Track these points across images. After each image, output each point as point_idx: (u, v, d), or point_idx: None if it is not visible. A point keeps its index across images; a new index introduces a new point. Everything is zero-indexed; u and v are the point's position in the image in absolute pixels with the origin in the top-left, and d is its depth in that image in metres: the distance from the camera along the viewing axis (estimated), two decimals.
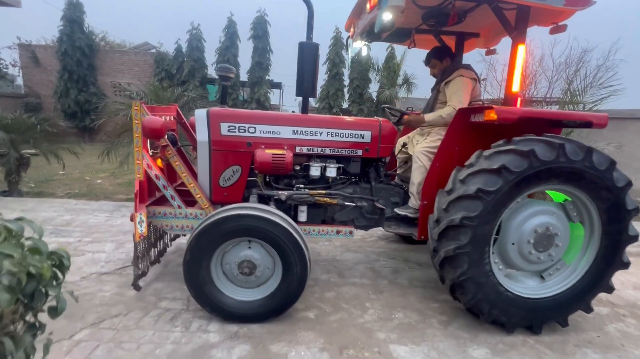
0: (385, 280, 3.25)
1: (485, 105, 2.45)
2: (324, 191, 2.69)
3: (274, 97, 17.43)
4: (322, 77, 16.64)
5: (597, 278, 2.41)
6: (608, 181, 2.18)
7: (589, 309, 2.50)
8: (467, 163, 2.33)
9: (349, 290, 3.00)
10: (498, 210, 2.17)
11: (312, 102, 19.14)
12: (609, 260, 2.37)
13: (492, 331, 2.48)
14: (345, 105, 16.74)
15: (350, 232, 2.79)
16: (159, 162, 2.62)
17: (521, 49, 2.47)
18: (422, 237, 2.72)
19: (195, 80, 15.75)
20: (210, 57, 16.15)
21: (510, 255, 2.38)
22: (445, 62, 3.07)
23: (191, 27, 15.79)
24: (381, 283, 3.19)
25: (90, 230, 4.17)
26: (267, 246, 2.30)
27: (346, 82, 16.59)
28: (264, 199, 2.70)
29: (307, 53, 2.57)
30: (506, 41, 3.33)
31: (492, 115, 2.23)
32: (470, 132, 2.57)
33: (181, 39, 15.95)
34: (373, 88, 16.52)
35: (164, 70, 15.84)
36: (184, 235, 3.12)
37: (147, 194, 2.67)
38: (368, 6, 2.52)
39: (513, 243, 2.34)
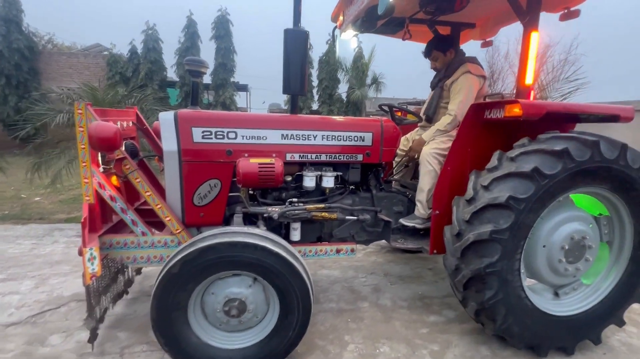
0: (365, 302, 2.88)
1: (506, 99, 2.18)
2: (322, 205, 2.26)
3: (240, 99, 16.74)
4: None
5: (627, 290, 2.21)
6: (634, 181, 1.97)
7: (621, 323, 2.30)
8: (488, 166, 2.02)
9: (324, 320, 2.57)
10: (531, 220, 1.88)
11: (282, 104, 18.66)
12: (638, 269, 2.18)
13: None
14: (315, 106, 16.44)
15: (352, 250, 2.41)
16: (114, 179, 2.07)
17: (534, 36, 2.22)
18: (435, 252, 2.40)
19: (154, 84, 14.70)
20: (170, 58, 15.18)
21: (537, 260, 2.09)
22: (449, 55, 2.77)
23: (146, 27, 14.71)
24: (361, 306, 2.82)
25: (6, 263, 3.38)
26: (261, 283, 1.84)
27: (315, 82, 16.30)
28: (249, 218, 2.24)
29: (294, 42, 2.15)
30: (503, 32, 3.15)
31: (517, 111, 1.94)
32: (483, 130, 2.29)
33: (136, 39, 14.83)
34: (342, 89, 16.40)
35: (118, 73, 14.63)
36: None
37: (101, 220, 2.11)
38: None
39: (544, 246, 2.06)
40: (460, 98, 2.50)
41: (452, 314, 2.72)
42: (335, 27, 3.10)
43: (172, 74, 15.56)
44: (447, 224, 2.22)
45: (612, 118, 2.14)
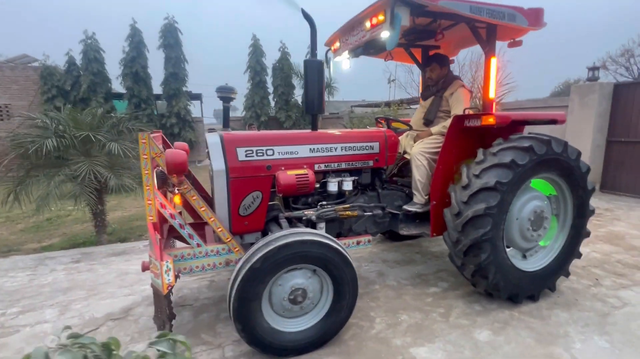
0: (376, 285, 3.37)
1: (482, 112, 2.81)
2: (347, 206, 2.72)
3: (194, 109, 16.37)
4: (244, 86, 16.31)
5: (574, 242, 2.99)
6: (577, 168, 2.75)
7: (567, 274, 3.08)
8: (476, 160, 2.64)
9: None
10: (510, 198, 2.53)
11: (238, 112, 18.57)
12: (579, 228, 2.97)
13: (484, 313, 2.81)
14: (272, 113, 16.68)
15: (369, 241, 2.88)
16: (176, 198, 2.30)
17: (493, 61, 2.90)
18: (435, 234, 2.97)
19: (99, 96, 13.81)
20: (114, 69, 14.37)
21: (512, 230, 2.76)
22: (444, 70, 3.36)
23: (85, 37, 13.76)
24: (373, 288, 3.30)
25: (12, 296, 3.29)
26: (319, 274, 2.22)
27: (270, 89, 16.56)
28: (291, 222, 2.60)
29: (313, 70, 2.57)
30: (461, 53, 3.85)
31: (491, 120, 2.59)
32: (462, 135, 2.92)
33: (73, 49, 13.78)
34: (298, 94, 16.86)
35: (55, 87, 13.46)
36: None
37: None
38: (369, 25, 2.65)
39: (517, 219, 2.73)
40: (462, 107, 3.08)
41: (446, 285, 3.33)
42: (329, 51, 3.54)
43: (117, 86, 14.73)
44: (442, 211, 2.80)
45: (551, 122, 2.90)
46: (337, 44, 3.26)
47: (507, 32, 2.96)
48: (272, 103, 16.82)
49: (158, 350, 0.76)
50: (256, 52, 15.92)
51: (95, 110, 4.70)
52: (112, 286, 3.51)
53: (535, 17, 2.81)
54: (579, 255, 3.11)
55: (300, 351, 2.25)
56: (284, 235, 2.07)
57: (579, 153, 2.76)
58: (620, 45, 15.53)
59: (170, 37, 14.57)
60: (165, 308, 2.11)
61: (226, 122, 2.68)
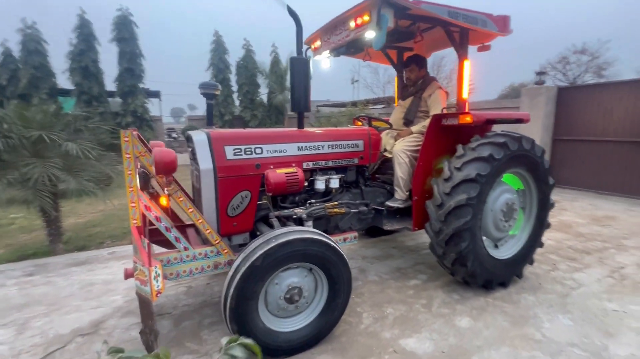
0: (358, 281, 3.43)
1: (459, 112, 2.97)
2: (335, 203, 2.73)
3: (153, 107, 15.48)
4: None
5: (538, 232, 3.26)
6: (541, 164, 3.01)
7: (532, 262, 3.35)
8: (457, 155, 2.79)
9: None
10: (487, 190, 2.71)
11: (199, 111, 17.84)
12: (542, 219, 3.25)
13: (462, 301, 2.99)
14: (236, 112, 16.27)
15: (355, 237, 2.92)
16: (162, 200, 2.16)
17: (466, 63, 3.08)
18: (416, 228, 3.09)
19: (41, 92, 12.58)
20: (59, 62, 13.16)
21: (487, 220, 2.96)
22: (422, 71, 3.48)
23: (24, 26, 12.45)
24: (357, 284, 3.36)
25: None
26: (315, 272, 2.21)
27: (234, 87, 16.15)
28: (281, 221, 2.55)
29: (299, 68, 2.56)
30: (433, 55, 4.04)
31: (468, 119, 2.75)
32: (441, 133, 3.07)
33: (9, 40, 12.41)
34: (263, 93, 16.62)
35: None
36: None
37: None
38: (353, 24, 2.68)
39: (492, 210, 2.93)
40: (440, 107, 3.22)
41: (425, 277, 3.48)
42: (308, 49, 3.53)
43: (62, 81, 13.51)
44: (423, 206, 2.93)
45: (518, 121, 3.15)
46: (318, 43, 3.27)
47: (478, 36, 3.16)
48: (237, 102, 16.39)
49: (233, 357, 0.72)
50: (219, 49, 15.43)
51: (47, 107, 4.27)
52: (76, 299, 3.23)
53: (503, 24, 3.03)
54: (541, 244, 3.40)
55: (295, 351, 2.23)
56: (283, 233, 2.04)
57: (544, 151, 3.03)
58: (557, 53, 17.22)
59: (125, 31, 13.64)
60: (154, 317, 1.98)
61: (210, 119, 2.57)
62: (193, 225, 2.76)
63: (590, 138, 7.02)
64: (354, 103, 12.28)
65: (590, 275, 3.49)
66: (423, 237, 4.67)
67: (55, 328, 2.76)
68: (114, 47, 13.83)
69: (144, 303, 1.98)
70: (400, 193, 3.19)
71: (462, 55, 3.09)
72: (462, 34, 3.04)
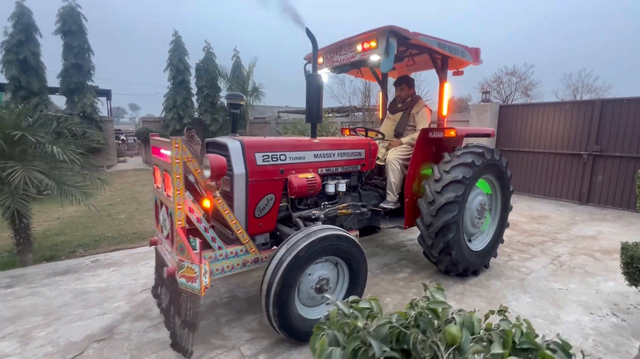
0: None
1: (445, 127, 3.49)
2: (345, 204, 3.06)
3: (102, 107, 14.38)
4: (165, 85, 15.10)
5: (501, 230, 3.92)
6: (505, 173, 3.68)
7: (495, 254, 4.00)
8: (444, 161, 3.31)
9: None
10: (468, 191, 3.25)
11: (152, 111, 16.94)
12: (504, 219, 3.92)
13: (445, 288, 3.46)
14: (196, 115, 15.78)
15: (357, 236, 3.28)
16: (205, 202, 2.29)
17: (446, 85, 3.64)
18: (407, 226, 3.54)
19: None
20: None
21: (466, 219, 3.50)
22: (411, 90, 3.96)
23: None
24: None
25: None
26: (339, 266, 2.52)
27: (194, 90, 15.66)
28: (304, 221, 2.80)
29: (314, 84, 2.86)
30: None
31: (453, 133, 3.28)
32: (426, 144, 3.58)
33: None
34: (224, 96, 16.32)
35: None
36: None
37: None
38: (360, 48, 3.07)
39: (469, 209, 3.48)
40: (426, 123, 3.72)
41: (410, 271, 3.95)
42: (307, 64, 3.85)
43: None
44: (413, 207, 3.39)
45: (486, 135, 3.79)
46: (321, 60, 3.60)
47: (456, 63, 3.75)
48: (196, 105, 15.91)
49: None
50: (179, 49, 14.89)
51: (27, 106, 4.00)
52: (74, 307, 3.13)
53: (476, 55, 3.65)
54: (502, 241, 4.08)
55: None
56: (321, 229, 2.31)
57: (507, 162, 3.69)
58: (492, 73, 19.55)
59: (72, 23, 12.58)
60: (198, 310, 2.13)
61: (234, 128, 2.75)
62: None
63: (525, 149, 8.24)
64: None
65: (537, 263, 4.25)
66: (399, 237, 5.20)
67: (64, 336, 2.69)
68: (59, 41, 12.68)
69: (191, 299, 2.12)
70: (392, 196, 3.63)
71: (442, 78, 3.64)
72: (443, 61, 3.60)
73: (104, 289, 3.51)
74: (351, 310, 0.92)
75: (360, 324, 0.84)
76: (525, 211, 6.98)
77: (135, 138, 18.33)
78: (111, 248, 4.93)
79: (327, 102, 14.80)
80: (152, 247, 2.88)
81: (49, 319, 2.93)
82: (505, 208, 3.91)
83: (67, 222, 6.40)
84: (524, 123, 8.23)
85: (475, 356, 0.72)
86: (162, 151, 2.42)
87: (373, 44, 2.95)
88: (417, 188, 3.48)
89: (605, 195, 7.03)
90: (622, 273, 2.90)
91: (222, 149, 2.50)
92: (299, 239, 2.24)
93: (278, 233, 2.80)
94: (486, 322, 0.89)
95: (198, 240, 2.06)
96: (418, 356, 0.77)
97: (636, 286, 2.81)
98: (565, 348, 0.81)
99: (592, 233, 5.47)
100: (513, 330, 0.82)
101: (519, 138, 8.34)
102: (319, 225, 2.43)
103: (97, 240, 5.35)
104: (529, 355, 0.79)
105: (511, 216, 6.53)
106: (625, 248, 2.86)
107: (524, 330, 0.85)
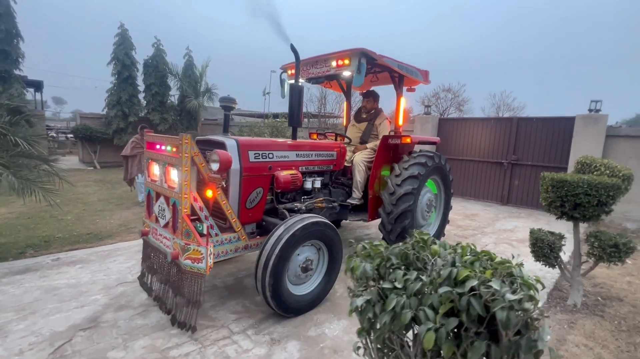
0: None
1: (402, 134, 4.12)
2: (320, 199, 3.50)
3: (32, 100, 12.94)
4: (109, 80, 14.13)
5: (443, 224, 4.69)
6: (448, 177, 4.44)
7: (441, 237, 4.77)
8: (403, 161, 3.95)
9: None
10: (421, 186, 3.93)
11: (72, 107, 15.59)
12: (445, 216, 4.71)
13: None
14: (142, 113, 14.95)
15: None
16: (208, 192, 2.53)
17: (402, 100, 4.31)
18: (370, 219, 4.10)
19: None
20: None
21: (417, 212, 4.16)
22: (376, 103, 4.55)
23: None
24: None
25: None
26: (319, 247, 2.93)
27: (141, 87, 14.86)
28: (288, 211, 3.16)
29: (295, 93, 3.29)
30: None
31: (408, 140, 3.93)
32: (386, 149, 4.19)
33: None
34: (173, 94, 15.74)
35: None
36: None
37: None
38: (334, 64, 3.56)
39: (420, 203, 4.14)
40: (387, 132, 4.33)
41: None
42: (283, 73, 4.24)
43: None
44: (376, 202, 3.97)
45: (433, 143, 4.53)
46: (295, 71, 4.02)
47: (410, 82, 4.45)
48: (144, 103, 15.11)
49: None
50: (125, 43, 14.04)
51: None
52: (48, 302, 3.11)
53: (425, 75, 4.38)
54: (444, 234, 4.87)
55: (303, 310, 2.89)
56: (311, 216, 2.72)
57: (450, 167, 4.47)
58: (431, 89, 21.69)
59: None
60: (202, 291, 2.39)
61: (226, 128, 3.02)
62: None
63: (459, 157, 9.50)
64: (276, 115, 13.05)
65: None
66: (357, 232, 5.78)
67: (45, 327, 2.72)
68: None
69: (196, 279, 2.37)
70: (357, 193, 4.16)
71: (399, 93, 4.30)
72: (400, 79, 4.26)
73: (75, 285, 3.48)
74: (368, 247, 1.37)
75: (382, 249, 1.30)
76: (460, 210, 8.09)
77: (69, 135, 16.73)
78: (66, 248, 4.73)
79: (285, 108, 15.17)
80: (140, 239, 3.00)
81: (22, 314, 2.89)
82: (447, 207, 4.70)
83: (2, 224, 5.87)
84: (459, 135, 9.50)
85: (448, 256, 1.21)
86: (162, 147, 2.63)
87: (346, 61, 3.47)
88: (379, 187, 4.06)
89: (520, 196, 8.46)
90: (530, 251, 3.75)
91: (218, 146, 2.78)
92: (295, 221, 2.63)
93: (264, 223, 3.14)
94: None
95: (205, 225, 2.34)
96: (416, 265, 1.24)
97: (540, 261, 3.67)
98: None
99: (510, 227, 6.64)
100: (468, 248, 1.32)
101: (455, 148, 9.58)
102: (309, 214, 2.83)
103: (47, 241, 5.06)
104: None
105: (449, 215, 7.59)
106: (532, 232, 3.71)
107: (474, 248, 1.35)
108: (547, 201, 3.49)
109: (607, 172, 4.79)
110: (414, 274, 1.16)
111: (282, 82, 4.27)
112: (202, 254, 2.31)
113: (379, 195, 3.99)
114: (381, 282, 1.24)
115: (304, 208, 3.24)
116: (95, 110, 16.42)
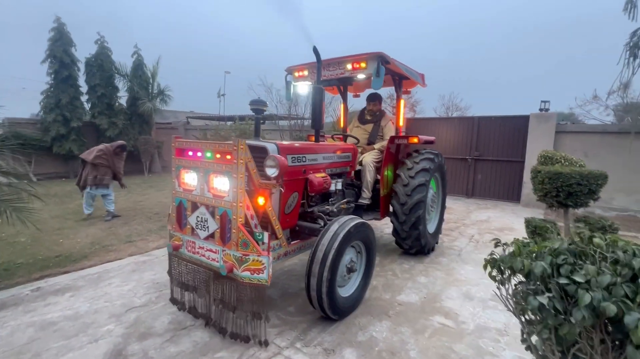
0: None
1: (410, 135, 4.26)
2: (346, 200, 3.49)
3: None
4: (44, 80, 12.51)
5: (441, 221, 4.96)
6: (445, 175, 4.72)
7: (437, 241, 5.02)
8: (412, 157, 4.16)
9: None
10: (430, 178, 4.13)
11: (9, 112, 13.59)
12: (442, 213, 4.98)
13: (414, 267, 4.27)
14: (87, 117, 13.46)
15: None
16: (259, 200, 2.36)
17: (402, 102, 4.47)
18: (382, 217, 4.19)
19: None
20: None
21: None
22: (380, 105, 4.61)
23: None
24: None
25: None
26: (358, 249, 2.93)
27: (84, 88, 13.37)
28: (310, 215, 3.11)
29: (317, 95, 3.26)
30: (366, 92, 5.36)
31: (415, 140, 4.10)
32: (394, 148, 4.32)
33: None
34: (122, 96, 14.41)
35: None
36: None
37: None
38: (350, 67, 3.58)
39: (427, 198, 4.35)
40: (392, 133, 4.42)
41: (379, 259, 4.60)
42: (288, 75, 4.16)
43: None
44: (387, 201, 4.09)
45: (431, 142, 4.77)
46: (306, 72, 3.97)
47: (408, 84, 4.64)
48: (87, 106, 13.62)
49: None
50: (62, 39, 12.50)
51: None
52: (50, 341, 2.68)
53: (423, 79, 4.60)
54: (441, 231, 5.16)
55: (348, 312, 2.88)
56: (355, 217, 2.73)
57: (446, 167, 4.75)
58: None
59: None
60: (265, 299, 2.25)
61: (257, 131, 2.87)
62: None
63: None
64: (242, 118, 12.62)
65: (461, 242, 5.47)
66: None
67: (87, 356, 2.33)
68: None
69: (257, 290, 2.23)
70: (367, 193, 4.23)
71: (399, 95, 4.47)
72: (400, 82, 4.42)
73: (75, 316, 3.04)
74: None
75: (549, 245, 1.35)
76: None
77: None
78: (36, 276, 4.10)
79: (241, 111, 14.76)
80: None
81: (27, 357, 2.45)
82: (444, 203, 4.99)
83: None
84: (426, 134, 10.08)
85: (620, 251, 1.30)
86: (198, 153, 2.42)
87: (363, 64, 3.51)
88: (387, 186, 4.20)
89: (483, 189, 9.24)
90: (530, 239, 4.14)
91: (260, 151, 2.64)
92: (347, 220, 2.65)
93: (297, 228, 3.05)
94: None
95: (266, 234, 2.21)
96: (592, 259, 1.31)
97: None
98: None
99: (485, 218, 7.22)
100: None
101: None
102: (350, 216, 2.83)
103: (7, 269, 4.34)
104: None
105: None
106: (528, 221, 4.12)
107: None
108: (543, 192, 3.91)
109: (566, 163, 5.49)
110: (600, 268, 1.19)
111: (287, 84, 4.18)
112: (263, 264, 2.17)
113: (384, 194, 4.13)
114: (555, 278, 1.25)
115: (335, 210, 3.21)
116: (22, 114, 14.40)
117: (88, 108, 13.65)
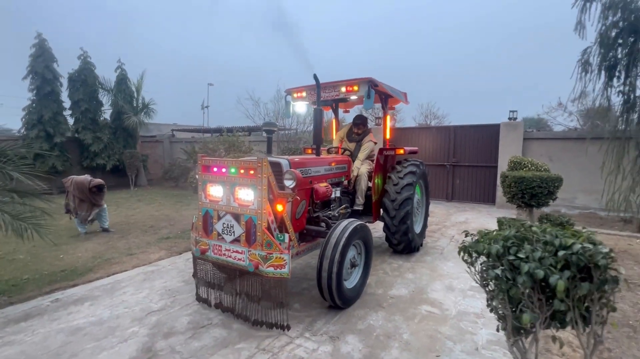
0: None
1: (396, 146, 4.78)
2: (344, 206, 3.95)
3: None
4: (26, 96, 12.38)
5: (425, 223, 5.50)
6: (428, 182, 5.27)
7: (422, 241, 5.56)
8: (396, 171, 4.63)
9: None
10: (414, 191, 4.63)
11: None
12: (426, 216, 5.53)
13: (402, 266, 4.76)
14: (70, 133, 13.33)
15: None
16: (278, 206, 2.77)
17: (388, 117, 5.02)
18: (375, 220, 4.67)
19: None
20: None
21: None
22: (365, 127, 5.14)
23: None
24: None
25: None
26: (359, 249, 3.39)
27: (67, 104, 13.28)
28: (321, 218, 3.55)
29: (317, 116, 3.76)
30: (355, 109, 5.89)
31: (401, 151, 4.64)
32: (383, 159, 4.85)
33: None
34: (106, 113, 14.38)
35: None
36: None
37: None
38: (344, 89, 4.08)
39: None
40: (367, 152, 4.92)
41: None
42: (287, 95, 4.62)
43: None
44: (378, 206, 4.59)
45: (415, 152, 5.33)
46: (303, 94, 4.44)
47: (393, 102, 5.20)
48: (71, 121, 13.50)
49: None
50: (44, 54, 12.45)
51: None
52: (83, 343, 2.94)
53: (406, 97, 5.18)
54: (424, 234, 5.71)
55: (352, 301, 3.32)
56: (356, 220, 3.19)
57: (428, 173, 5.31)
58: None
59: None
60: (288, 291, 2.65)
61: (269, 149, 3.31)
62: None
63: None
64: (230, 130, 12.91)
65: (443, 242, 6.02)
66: None
67: None
68: None
69: (280, 283, 2.63)
70: (360, 199, 4.72)
71: (385, 112, 5.01)
72: (386, 100, 4.97)
73: (99, 322, 3.30)
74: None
75: (502, 233, 1.85)
76: None
77: None
78: (46, 289, 4.28)
79: (241, 121, 15.04)
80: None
81: (63, 357, 2.71)
82: (427, 207, 5.55)
83: None
84: (408, 142, 10.76)
85: (547, 234, 1.82)
86: (222, 169, 2.83)
87: (355, 88, 4.03)
88: (378, 192, 4.70)
89: (462, 193, 9.96)
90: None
91: (275, 166, 3.06)
92: (351, 220, 3.12)
93: (305, 231, 3.48)
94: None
95: (287, 235, 2.62)
96: (530, 241, 1.82)
97: None
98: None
99: (463, 219, 7.86)
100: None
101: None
102: (351, 218, 3.28)
103: (15, 284, 4.50)
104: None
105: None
106: (500, 221, 4.71)
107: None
108: (511, 194, 4.50)
109: (533, 167, 6.20)
110: (534, 247, 1.70)
111: (287, 103, 4.63)
112: (284, 260, 2.58)
113: (376, 199, 4.64)
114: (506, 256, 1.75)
115: (336, 214, 3.67)
116: None
117: (71, 124, 13.54)
